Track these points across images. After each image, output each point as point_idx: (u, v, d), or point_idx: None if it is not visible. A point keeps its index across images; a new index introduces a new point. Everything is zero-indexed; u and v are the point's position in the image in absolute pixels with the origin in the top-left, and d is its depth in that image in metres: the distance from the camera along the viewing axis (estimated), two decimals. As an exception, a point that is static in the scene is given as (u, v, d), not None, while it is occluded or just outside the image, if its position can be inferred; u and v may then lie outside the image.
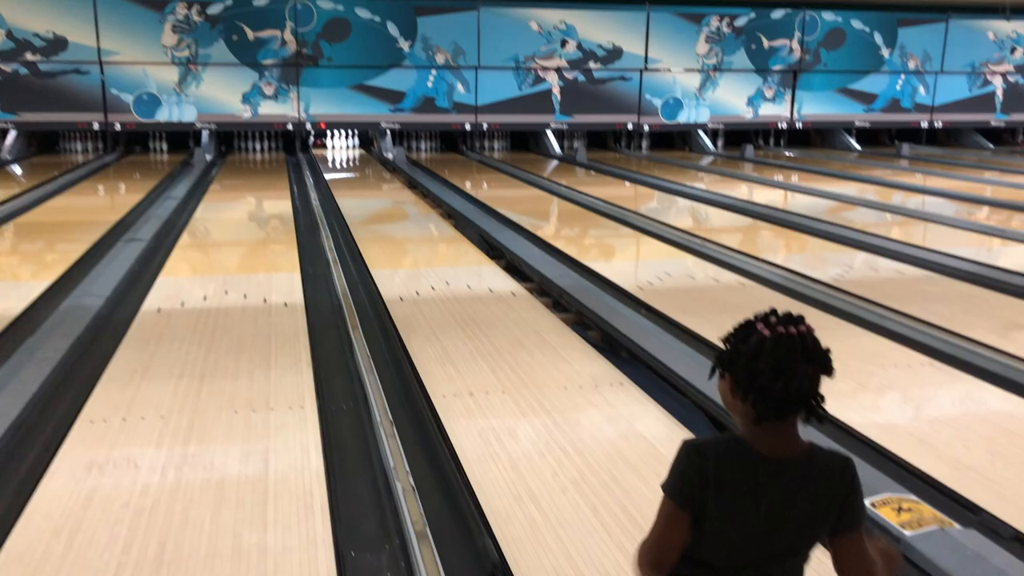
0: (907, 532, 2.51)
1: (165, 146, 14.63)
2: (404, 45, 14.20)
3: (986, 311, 5.14)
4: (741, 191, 10.77)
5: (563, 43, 14.72)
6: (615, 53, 14.98)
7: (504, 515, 2.67)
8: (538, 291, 5.69)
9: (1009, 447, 3.25)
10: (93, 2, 13.08)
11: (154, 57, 13.50)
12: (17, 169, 12.41)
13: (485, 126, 14.89)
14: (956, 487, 2.90)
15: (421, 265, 6.62)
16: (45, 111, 13.29)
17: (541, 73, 14.80)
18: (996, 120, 16.97)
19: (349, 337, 4.49)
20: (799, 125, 16.22)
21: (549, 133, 15.25)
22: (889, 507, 2.64)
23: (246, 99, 13.96)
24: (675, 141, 16.39)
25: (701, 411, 3.63)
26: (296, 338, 4.49)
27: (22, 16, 13.02)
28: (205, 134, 14.00)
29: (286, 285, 5.64)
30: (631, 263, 7.07)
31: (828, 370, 1.41)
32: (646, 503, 2.71)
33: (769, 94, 15.87)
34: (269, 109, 14.06)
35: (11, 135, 13.37)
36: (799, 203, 9.85)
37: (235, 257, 7.01)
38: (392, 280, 5.84)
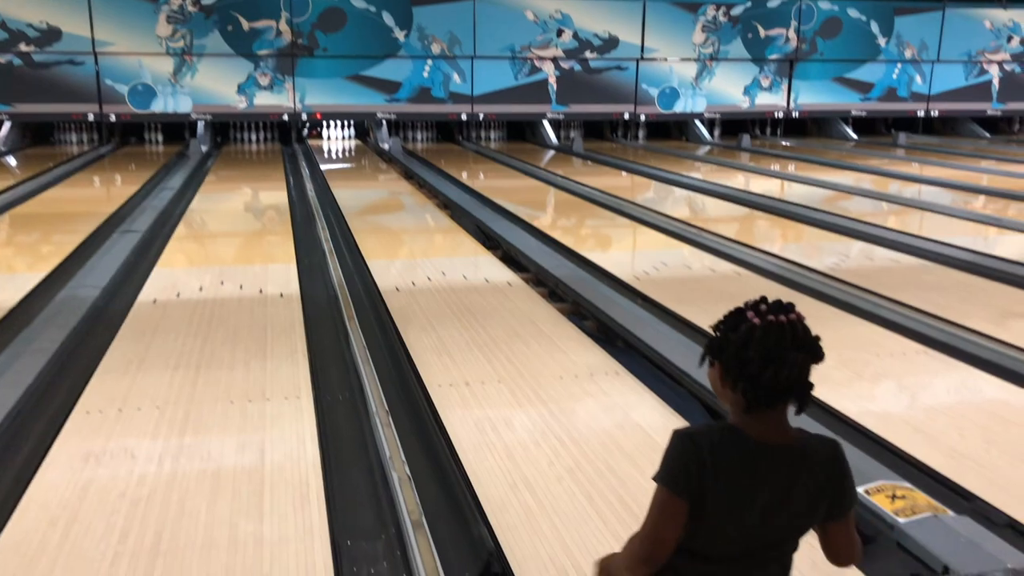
0: (901, 519, 2.52)
1: (160, 137, 14.59)
2: (400, 35, 14.15)
3: (982, 300, 5.15)
4: (738, 181, 10.77)
5: (559, 32, 14.69)
6: (611, 42, 14.94)
7: (500, 504, 2.68)
8: (534, 281, 5.69)
9: (1003, 435, 3.27)
10: (87, -8, 13.03)
11: (149, 48, 13.44)
12: (12, 160, 12.37)
13: (481, 116, 14.86)
14: (950, 475, 2.91)
15: (417, 255, 6.61)
16: (40, 102, 13.23)
17: (537, 63, 14.76)
18: (992, 109, 16.96)
19: (345, 327, 4.49)
20: (795, 114, 16.20)
21: (545, 123, 15.22)
22: (883, 494, 2.65)
23: (241, 90, 13.92)
24: (672, 131, 16.37)
25: (697, 400, 3.64)
26: (292, 329, 4.49)
27: (16, 7, 12.94)
28: (201, 125, 13.96)
29: (282, 276, 5.63)
30: (627, 253, 7.07)
31: (818, 357, 1.40)
32: (641, 492, 2.72)
33: (765, 83, 15.85)
34: (265, 100, 14.02)
35: (6, 126, 13.32)
36: (795, 192, 9.85)
37: (231, 248, 7.00)
38: (388, 271, 5.83)
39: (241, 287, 5.32)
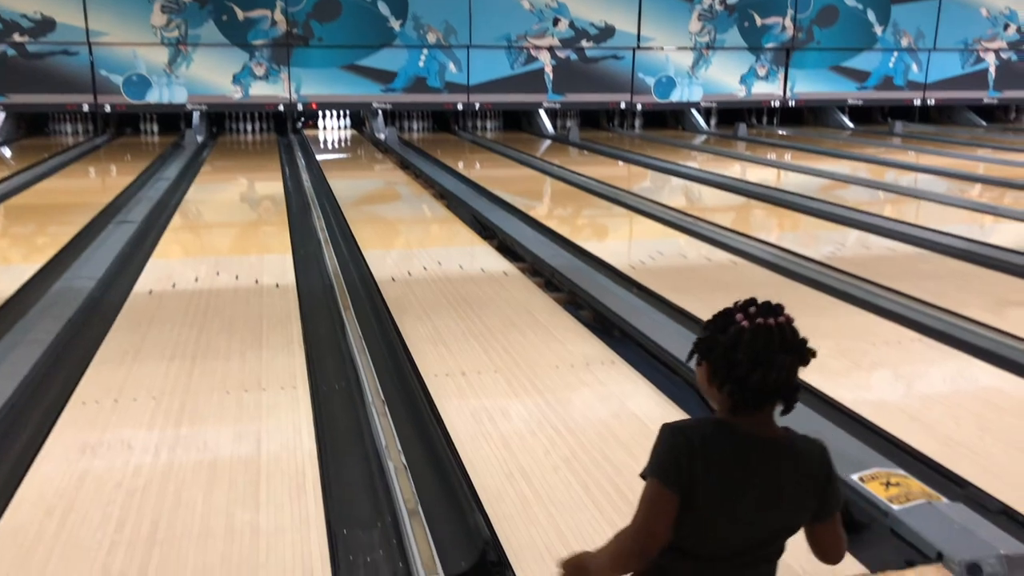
0: (895, 506, 2.53)
1: (156, 128, 14.53)
2: (395, 24, 14.10)
3: (978, 288, 5.15)
4: (734, 170, 10.76)
5: (555, 21, 14.63)
6: (607, 31, 14.89)
7: (495, 493, 2.69)
8: (530, 271, 5.69)
9: (998, 422, 3.28)
10: (81, -18, 12.96)
11: (143, 38, 13.37)
12: (7, 151, 12.33)
13: (477, 106, 14.82)
14: (945, 462, 2.92)
15: (413, 245, 6.61)
16: (34, 93, 13.18)
17: (533, 52, 14.72)
18: (989, 97, 16.95)
19: (341, 318, 4.49)
20: (792, 103, 16.18)
21: (542, 113, 15.19)
22: (877, 481, 2.66)
23: (237, 80, 13.86)
24: (668, 120, 16.33)
25: (692, 389, 3.64)
26: (288, 319, 4.49)
27: (9, -4, 12.89)
28: (196, 115, 13.91)
29: (278, 266, 5.63)
30: (623, 242, 7.07)
31: (805, 360, 1.40)
32: (637, 481, 2.69)
33: (762, 72, 15.82)
34: (260, 90, 13.97)
35: (0, 117, 13.26)
36: (792, 181, 9.85)
37: (227, 239, 6.99)
38: (384, 261, 5.83)
39: (237, 277, 5.32)
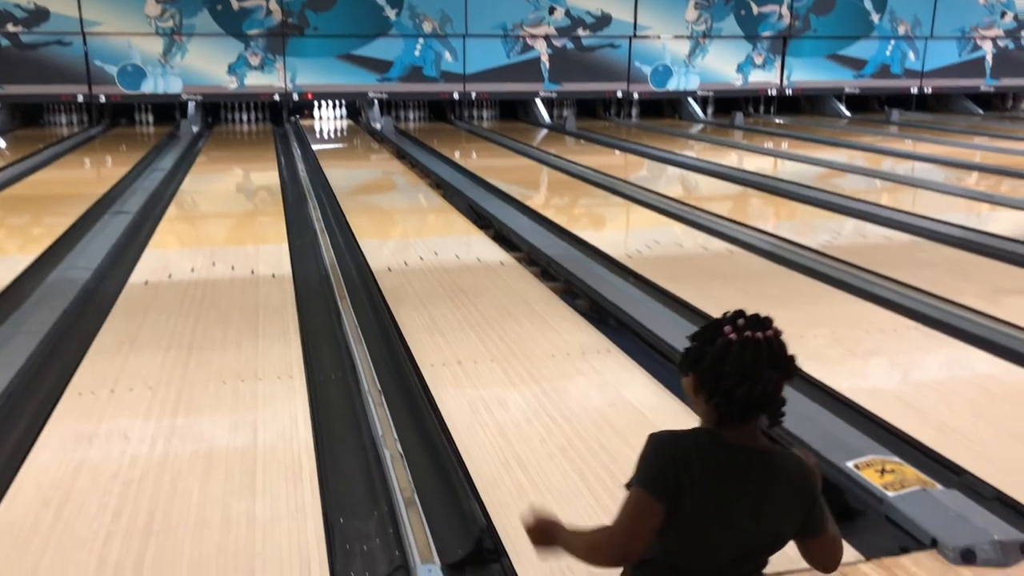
0: (890, 493, 2.54)
1: (151, 118, 14.48)
2: (391, 13, 14.04)
3: (974, 276, 5.16)
4: (731, 159, 10.75)
5: (551, 10, 14.58)
6: (604, 20, 14.84)
7: (491, 481, 2.69)
8: (527, 260, 5.69)
9: (993, 410, 3.29)
10: (74, -29, 12.88)
11: (138, 28, 13.31)
12: (1, 142, 12.29)
13: (473, 95, 14.78)
14: (940, 449, 2.93)
15: (410, 235, 6.60)
16: (28, 83, 13.12)
17: (529, 41, 14.67)
18: (986, 85, 16.93)
19: (337, 307, 4.49)
20: (789, 92, 16.14)
21: (538, 102, 15.15)
22: (872, 469, 2.66)
23: (232, 70, 13.81)
24: (665, 109, 16.30)
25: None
26: (284, 309, 4.48)
27: (2, -14, 12.82)
28: (191, 105, 13.86)
29: (274, 256, 5.62)
30: (620, 232, 7.07)
31: (791, 376, 1.40)
32: (632, 469, 2.73)
33: (759, 61, 15.78)
34: (255, 80, 13.92)
35: (-6, 108, 13.24)
36: (789, 170, 9.84)
37: (223, 229, 6.98)
38: (380, 251, 5.82)
39: (233, 268, 5.31)
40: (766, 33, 15.66)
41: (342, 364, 3.77)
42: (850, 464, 2.71)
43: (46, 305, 4.49)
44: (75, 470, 2.76)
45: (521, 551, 2.32)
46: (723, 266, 5.45)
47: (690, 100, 15.90)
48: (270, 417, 3.18)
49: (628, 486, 1.43)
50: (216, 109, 14.72)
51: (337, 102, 15.26)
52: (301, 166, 9.69)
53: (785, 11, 15.60)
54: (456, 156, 10.83)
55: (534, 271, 5.39)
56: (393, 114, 14.79)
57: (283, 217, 6.96)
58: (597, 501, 2.57)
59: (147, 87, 13.57)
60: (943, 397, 3.40)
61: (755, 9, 15.49)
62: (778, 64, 15.89)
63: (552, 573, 2.23)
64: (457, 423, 3.12)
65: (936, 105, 17.31)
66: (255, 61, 13.82)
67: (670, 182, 9.36)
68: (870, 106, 17.13)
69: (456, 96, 14.69)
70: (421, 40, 14.27)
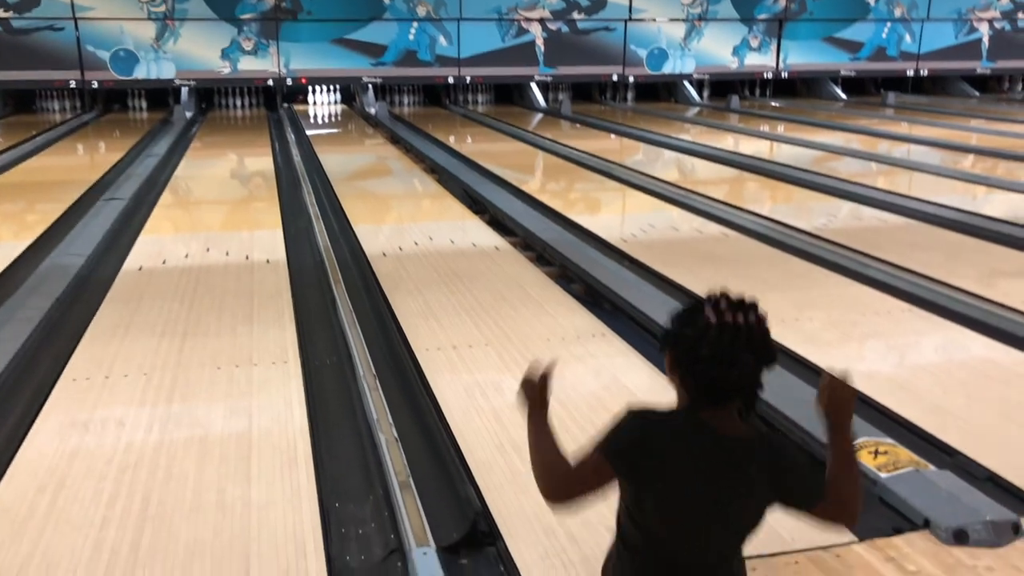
0: (883, 474, 2.55)
1: (144, 104, 14.41)
2: (385, -3, 13.97)
3: (970, 259, 5.16)
4: (727, 142, 10.73)
5: (546, -7, 14.51)
6: (599, 3, 14.76)
7: (486, 465, 2.70)
8: (522, 245, 5.68)
9: (986, 391, 3.30)
10: (65, -44, 12.78)
11: (129, 13, 13.22)
12: (-6, 129, 12.23)
13: (468, 79, 14.71)
14: (933, 431, 2.94)
15: (405, 220, 6.59)
16: (20, 69, 13.03)
17: (524, 24, 14.59)
18: (982, 67, 16.89)
19: (332, 293, 4.48)
20: (785, 75, 16.10)
21: (533, 86, 15.09)
22: (866, 450, 2.67)
23: (225, 55, 13.73)
24: (660, 92, 16.25)
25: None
26: (279, 294, 4.48)
27: (-7, -29, 12.71)
28: (184, 91, 13.78)
29: (268, 242, 5.61)
30: (615, 216, 7.06)
31: (770, 362, 1.38)
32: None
33: (755, 44, 15.72)
34: (249, 65, 13.84)
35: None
36: (784, 153, 9.83)
37: (217, 215, 6.96)
38: (375, 236, 5.81)
39: (227, 253, 5.30)
40: (762, 16, 15.60)
41: (337, 349, 3.77)
42: (844, 446, 2.71)
43: (40, 292, 4.48)
44: (70, 456, 2.76)
45: (516, 534, 2.33)
46: (719, 250, 5.45)
47: (686, 83, 15.84)
48: (265, 402, 3.18)
49: (596, 447, 1.41)
50: (210, 94, 14.65)
51: (331, 87, 15.18)
52: (295, 151, 9.65)
53: (781, -7, 15.53)
54: (451, 141, 10.80)
55: (529, 256, 5.38)
56: (388, 99, 14.73)
57: (278, 203, 6.94)
58: (592, 484, 2.57)
59: (140, 72, 13.49)
60: (937, 379, 3.40)
61: (751, -9, 15.42)
62: (774, 47, 15.83)
63: (547, 554, 2.24)
64: (452, 408, 3.12)
65: (932, 88, 17.28)
66: (248, 46, 13.74)
67: (666, 166, 9.34)
68: (866, 89, 17.08)
69: (451, 80, 14.63)
70: (415, 24, 14.19)
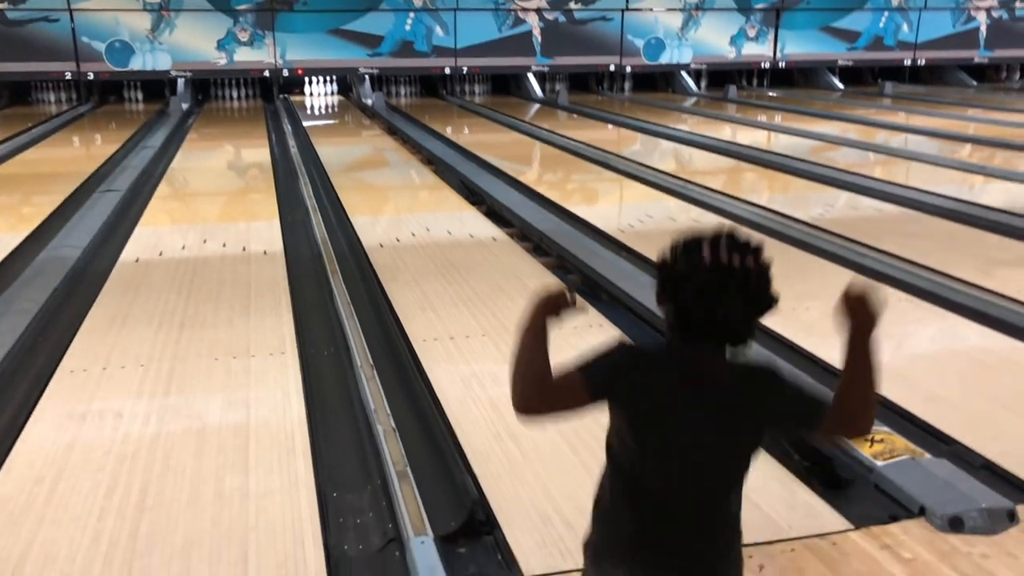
0: (879, 462, 2.56)
1: (140, 95, 14.37)
2: (381, -13, 13.92)
3: (967, 248, 5.17)
4: (724, 132, 10.72)
5: (543, -17, 14.47)
6: (596, -7, 14.74)
7: (483, 454, 2.70)
8: (519, 236, 5.68)
9: (983, 380, 3.30)
10: (60, -54, 12.72)
11: (125, 3, 13.17)
12: (-11, 121, 12.19)
13: (465, 70, 14.68)
14: (929, 419, 2.94)
15: (402, 212, 6.58)
16: (15, 61, 12.98)
17: (521, 14, 14.55)
18: (979, 57, 16.87)
19: (329, 284, 4.48)
20: (782, 65, 16.08)
21: (530, 76, 15.06)
22: (862, 438, 2.68)
23: (221, 46, 13.69)
24: (658, 82, 16.22)
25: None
26: (276, 285, 4.48)
27: (-13, -38, 12.65)
28: (181, 82, 13.75)
29: (265, 233, 5.60)
30: (613, 206, 7.05)
31: (762, 309, 1.34)
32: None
33: (752, 33, 15.69)
34: (245, 56, 13.80)
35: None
36: (782, 143, 9.82)
37: (214, 206, 6.95)
38: (372, 227, 5.81)
39: (224, 245, 5.29)
40: (759, 5, 15.56)
41: (334, 340, 3.77)
42: (840, 434, 2.72)
43: (37, 284, 4.48)
44: (68, 447, 2.77)
45: (513, 522, 2.34)
46: (715, 239, 5.44)
47: (683, 73, 15.82)
48: (263, 393, 3.19)
49: (579, 367, 1.40)
50: (206, 86, 14.61)
51: (328, 78, 15.14)
52: (292, 143, 9.63)
53: (778, -17, 15.49)
54: (448, 131, 10.78)
55: (526, 246, 5.38)
56: (384, 90, 14.70)
57: (274, 194, 6.94)
58: (588, 473, 2.58)
59: (135, 64, 13.45)
60: (934, 368, 3.41)
61: (748, -19, 15.39)
62: (771, 37, 15.80)
63: (544, 543, 2.25)
64: (449, 397, 3.13)
65: (929, 77, 17.26)
66: (244, 37, 13.69)
67: (663, 156, 9.33)
68: (863, 78, 17.06)
69: (447, 71, 14.60)
70: (412, 14, 14.15)
